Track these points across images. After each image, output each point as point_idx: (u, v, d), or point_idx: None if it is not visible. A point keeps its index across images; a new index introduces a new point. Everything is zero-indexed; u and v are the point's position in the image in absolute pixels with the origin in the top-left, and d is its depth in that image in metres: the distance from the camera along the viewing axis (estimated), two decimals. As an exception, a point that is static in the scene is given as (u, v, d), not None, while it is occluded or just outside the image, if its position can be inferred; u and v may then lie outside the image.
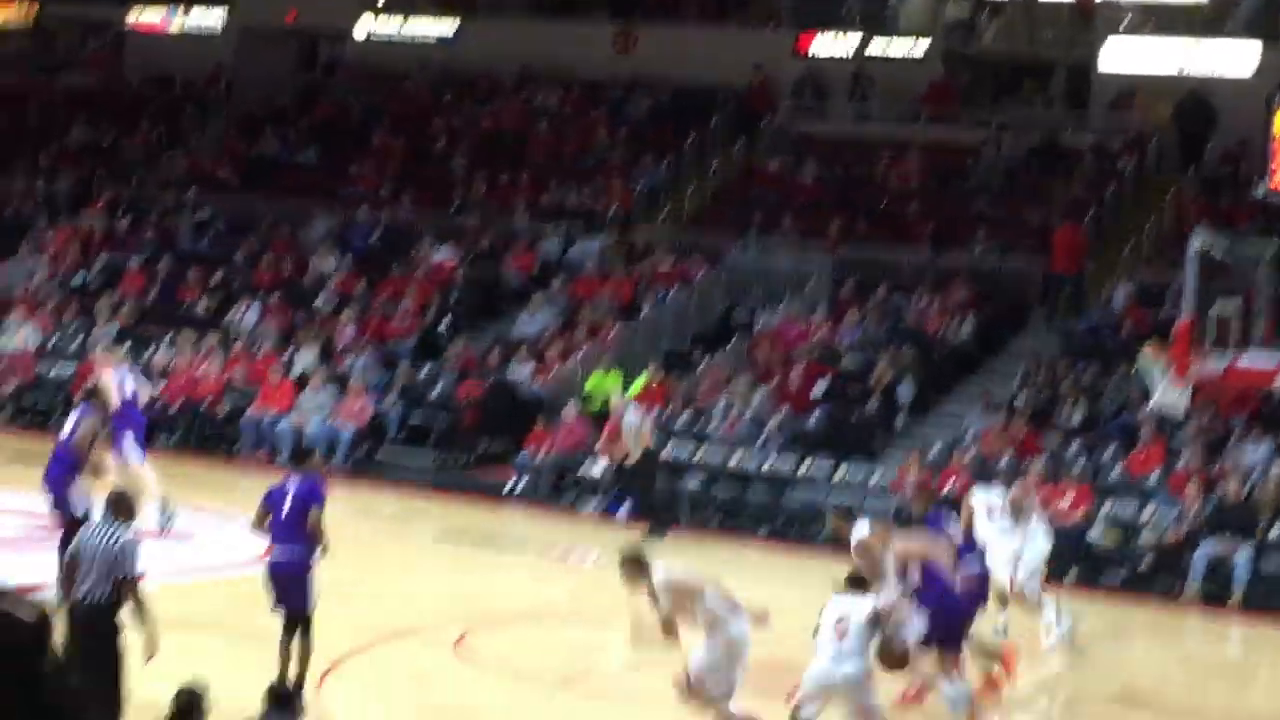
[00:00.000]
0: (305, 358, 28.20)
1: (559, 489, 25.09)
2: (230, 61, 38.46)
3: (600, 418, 25.88)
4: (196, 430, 27.25)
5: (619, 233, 31.45)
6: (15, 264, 32.94)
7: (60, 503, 16.36)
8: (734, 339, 28.14)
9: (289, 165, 35.26)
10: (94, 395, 18.22)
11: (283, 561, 13.70)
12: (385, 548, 20.88)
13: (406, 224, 32.48)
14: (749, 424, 25.55)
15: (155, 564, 15.70)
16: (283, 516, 13.73)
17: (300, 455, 14.75)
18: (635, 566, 12.84)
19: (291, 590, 13.66)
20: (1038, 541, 18.01)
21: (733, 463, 24.91)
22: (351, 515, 23.92)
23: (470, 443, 26.88)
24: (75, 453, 16.67)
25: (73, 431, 16.96)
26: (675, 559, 13.43)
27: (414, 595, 14.10)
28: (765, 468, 24.81)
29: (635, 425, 23.80)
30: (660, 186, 32.95)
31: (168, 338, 29.18)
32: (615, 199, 32.22)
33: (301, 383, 27.44)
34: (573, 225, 31.64)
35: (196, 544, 19.66)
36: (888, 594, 13.47)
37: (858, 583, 13.02)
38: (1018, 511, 18.01)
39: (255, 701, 10.02)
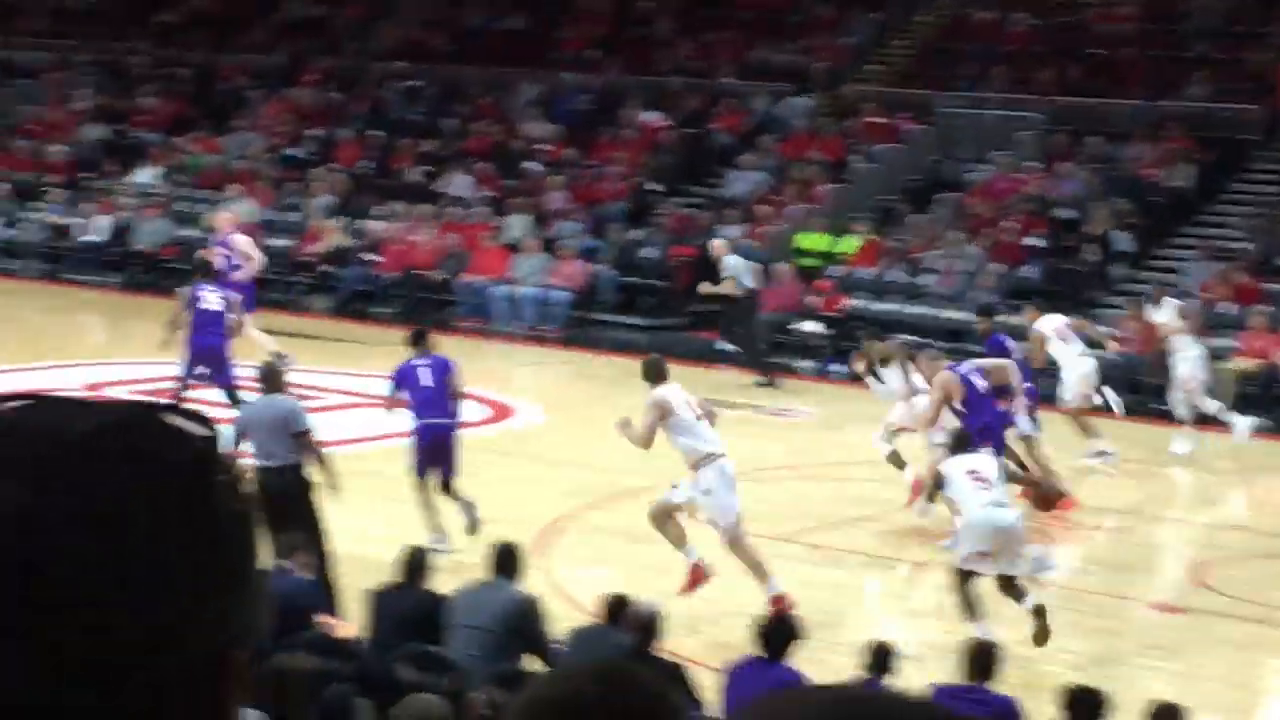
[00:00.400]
0: (517, 224, 28.47)
1: (774, 348, 25.11)
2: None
3: (811, 275, 25.81)
4: (412, 298, 27.66)
5: (827, 90, 31.18)
6: (231, 138, 33.59)
7: (224, 369, 17.68)
8: (945, 193, 27.83)
9: (496, 32, 35.39)
10: (208, 269, 19.54)
11: (440, 427, 14.61)
12: (599, 411, 21.10)
13: (614, 87, 32.49)
14: (962, 278, 25.32)
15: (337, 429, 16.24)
16: (425, 388, 14.62)
17: (417, 337, 15.11)
18: (650, 371, 13.57)
19: (447, 455, 14.66)
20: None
21: (946, 316, 24.73)
22: (566, 379, 24.22)
23: (682, 304, 26.97)
24: (229, 323, 17.95)
25: (225, 303, 18.20)
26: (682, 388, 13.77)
27: (630, 457, 14.27)
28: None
29: (735, 266, 23.61)
30: (868, 41, 32.56)
31: (381, 208, 29.65)
32: (823, 55, 31.91)
33: (514, 249, 27.72)
34: (780, 84, 31.42)
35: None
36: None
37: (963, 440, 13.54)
38: (1080, 336, 19.28)
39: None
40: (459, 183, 30.30)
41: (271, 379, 13.20)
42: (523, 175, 30.31)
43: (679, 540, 13.37)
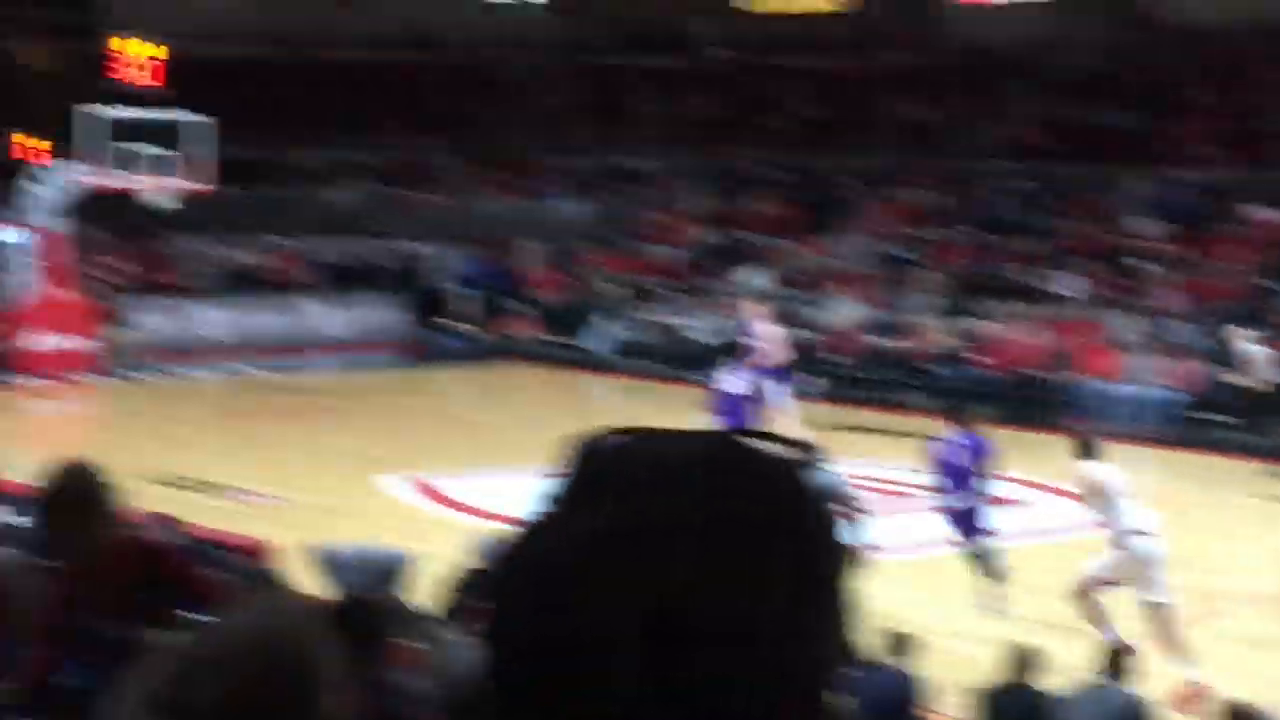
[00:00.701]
0: (1125, 323, 27.81)
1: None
2: (1045, 30, 38.38)
3: None
4: (1020, 399, 27.27)
5: None
6: (836, 239, 34.07)
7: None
8: None
9: (1102, 129, 34.82)
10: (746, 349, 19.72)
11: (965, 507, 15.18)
12: (1211, 514, 20.28)
13: (1226, 183, 31.43)
14: None
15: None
16: (958, 467, 15.19)
17: (954, 412, 15.64)
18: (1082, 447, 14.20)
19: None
20: None
21: None
22: (1175, 481, 23.38)
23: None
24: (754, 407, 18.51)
25: (749, 387, 18.56)
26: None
27: (1238, 557, 13.61)
28: None
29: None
30: None
31: (986, 307, 29.48)
32: None
33: (1122, 348, 27.06)
34: None
35: (1026, 511, 19.72)
36: None
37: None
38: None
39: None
40: (1066, 281, 29.85)
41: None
42: (1131, 273, 29.62)
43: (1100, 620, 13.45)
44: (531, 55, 44.75)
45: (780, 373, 22.29)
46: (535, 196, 38.69)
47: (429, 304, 34.66)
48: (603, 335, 32.87)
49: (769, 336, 22.88)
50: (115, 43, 31.65)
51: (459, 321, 33.42)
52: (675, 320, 32.53)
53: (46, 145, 34.63)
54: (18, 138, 34.96)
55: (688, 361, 31.44)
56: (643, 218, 37.45)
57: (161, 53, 31.50)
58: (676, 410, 27.94)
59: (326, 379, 26.18)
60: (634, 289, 34.04)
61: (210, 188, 31.29)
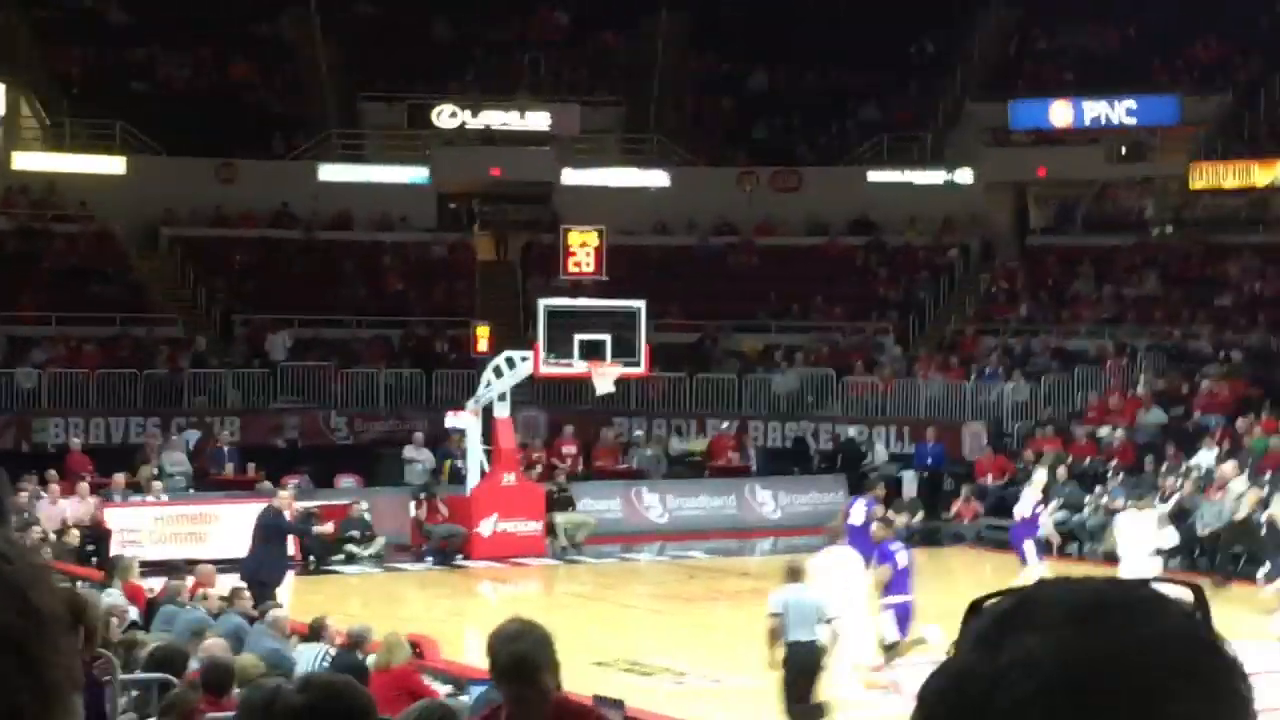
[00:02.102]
0: None
1: None
2: None
3: None
4: None
5: None
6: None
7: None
8: None
9: None
10: None
11: None
12: None
13: None
14: None
15: None
16: None
17: None
18: None
19: None
20: None
21: None
22: None
23: None
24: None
25: None
26: None
27: None
28: None
29: None
30: None
31: None
32: None
33: None
34: None
35: None
36: None
37: None
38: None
39: None
40: None
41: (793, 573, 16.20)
42: None
43: None
44: (974, 236, 44.65)
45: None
46: (977, 378, 38.34)
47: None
48: (1045, 518, 32.13)
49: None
50: (570, 236, 32.78)
51: (900, 504, 33.14)
52: (1121, 503, 31.58)
53: (486, 332, 35.96)
54: (479, 329, 36.40)
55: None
56: (1086, 399, 36.71)
57: (601, 241, 32.45)
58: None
59: (767, 562, 26.24)
60: (1079, 472, 33.25)
61: (651, 372, 31.95)
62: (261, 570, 20.10)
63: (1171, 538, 23.92)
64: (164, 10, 45.85)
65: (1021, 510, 24.42)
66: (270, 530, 21.80)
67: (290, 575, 23.05)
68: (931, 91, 47.16)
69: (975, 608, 1.40)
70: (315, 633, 15.89)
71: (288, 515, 22.77)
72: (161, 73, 45.45)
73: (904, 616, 18.50)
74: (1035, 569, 23.09)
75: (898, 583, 18.58)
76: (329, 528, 26.04)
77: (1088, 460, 33.80)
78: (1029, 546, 23.92)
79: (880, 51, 46.78)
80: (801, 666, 15.65)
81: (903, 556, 18.81)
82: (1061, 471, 32.85)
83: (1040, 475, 26.27)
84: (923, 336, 41.48)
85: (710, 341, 41.05)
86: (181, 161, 42.27)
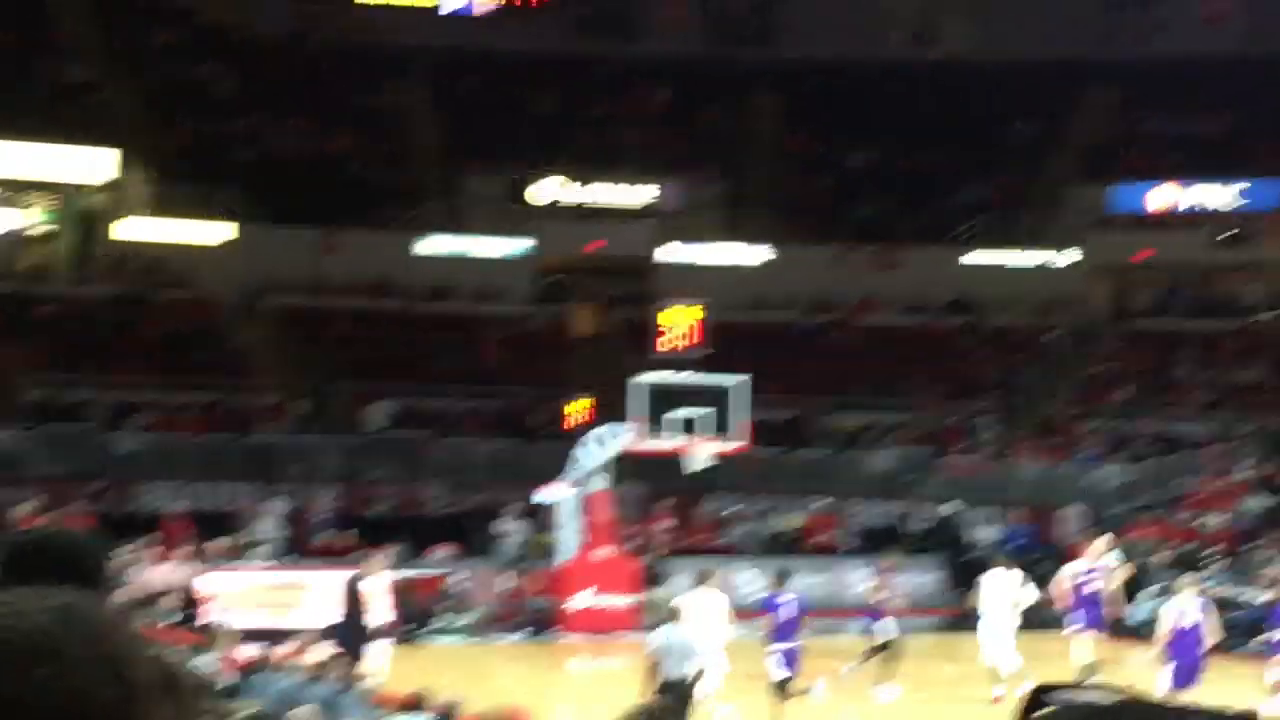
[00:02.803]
0: None
1: None
2: None
3: None
4: None
5: None
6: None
7: None
8: None
9: None
10: None
11: None
12: None
13: None
14: None
15: None
16: None
17: None
18: None
19: None
20: None
21: None
22: None
23: None
24: None
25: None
26: None
27: None
28: None
29: None
30: None
31: None
32: None
33: None
34: None
35: None
36: None
37: None
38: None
39: None
40: None
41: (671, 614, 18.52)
42: None
43: None
44: (1073, 317, 44.37)
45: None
46: (1076, 461, 37.98)
47: (966, 568, 34.20)
48: (1143, 604, 31.69)
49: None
50: (663, 315, 32.79)
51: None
52: (1222, 591, 31.13)
53: (587, 406, 35.94)
54: (576, 403, 36.43)
55: (1237, 632, 30.01)
56: (1187, 484, 36.28)
57: (701, 315, 32.45)
58: (1222, 685, 26.69)
59: (861, 643, 26.00)
60: (1180, 558, 32.83)
61: (748, 448, 31.85)
62: (350, 637, 20.05)
63: (1031, 596, 23.86)
64: (271, 81, 46.47)
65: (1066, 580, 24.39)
66: (352, 599, 21.85)
67: (386, 644, 23.07)
68: (1031, 173, 47.01)
69: (1038, 697, 1.38)
70: (416, 704, 15.87)
71: (384, 584, 22.81)
72: (266, 142, 45.99)
73: (790, 660, 21.15)
74: (1080, 646, 23.63)
75: (784, 630, 21.20)
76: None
77: (1189, 545, 33.37)
78: (1075, 620, 23.86)
79: (981, 132, 46.70)
80: (678, 699, 17.53)
81: (788, 609, 21.30)
82: (1162, 556, 32.45)
83: (1110, 556, 25.86)
84: (1020, 417, 41.18)
85: (808, 419, 40.90)
86: (284, 231, 42.73)
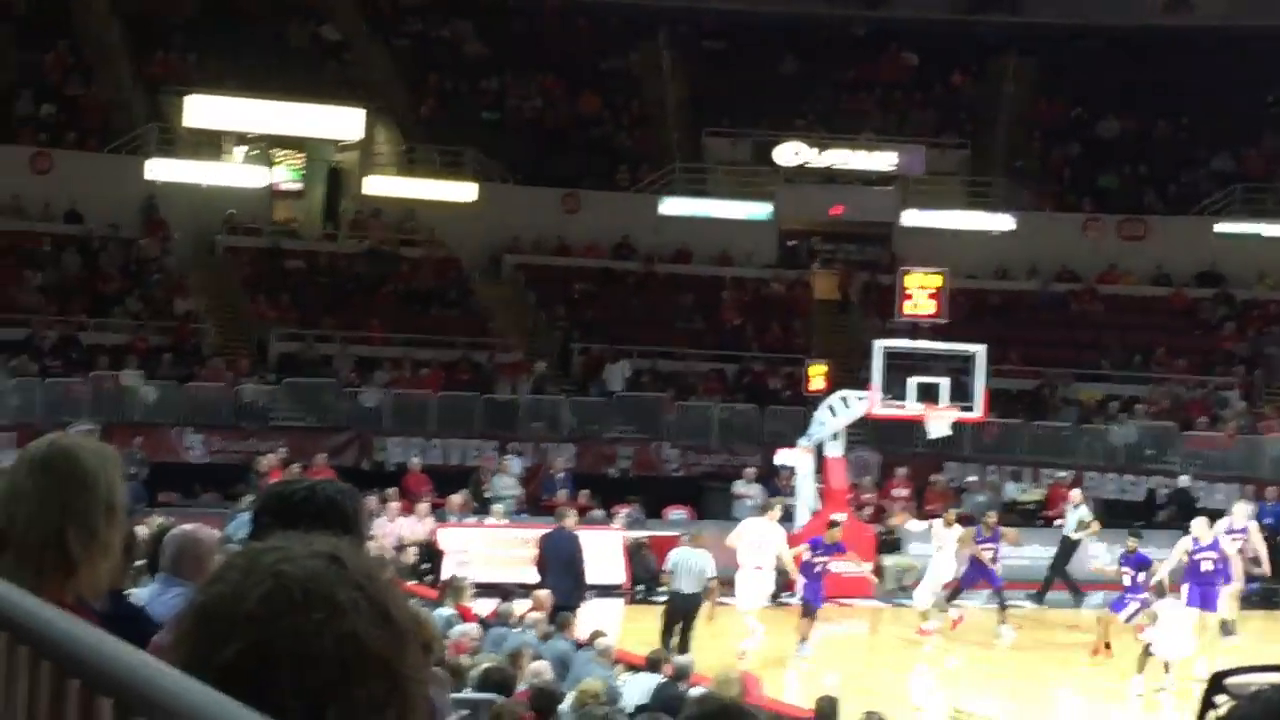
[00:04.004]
0: None
1: None
2: None
3: None
4: None
5: None
6: None
7: None
8: None
9: None
10: None
11: None
12: None
13: None
14: None
15: None
16: None
17: None
18: None
19: None
20: None
21: None
22: None
23: None
24: None
25: None
26: None
27: None
28: None
29: None
30: None
31: None
32: None
33: None
34: None
35: None
36: None
37: None
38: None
39: None
40: None
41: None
42: None
43: None
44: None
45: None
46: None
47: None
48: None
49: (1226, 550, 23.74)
50: (909, 277, 32.50)
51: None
52: None
53: (822, 370, 35.79)
54: (814, 367, 36.30)
55: None
56: None
57: (941, 282, 32.11)
58: None
59: (1094, 615, 25.63)
60: None
61: (985, 417, 31.50)
62: (558, 595, 20.11)
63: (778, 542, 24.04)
64: (518, 43, 46.93)
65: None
66: (564, 555, 22.01)
67: (618, 603, 23.26)
68: (1288, 142, 45.76)
69: (1219, 682, 1.36)
70: (653, 665, 15.98)
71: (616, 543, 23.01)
72: (512, 103, 46.46)
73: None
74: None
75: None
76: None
77: None
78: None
79: (1235, 102, 45.52)
80: (681, 612, 21.48)
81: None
82: None
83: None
84: (1269, 392, 40.14)
85: (1049, 389, 40.31)
86: (528, 190, 43.16)
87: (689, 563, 21.68)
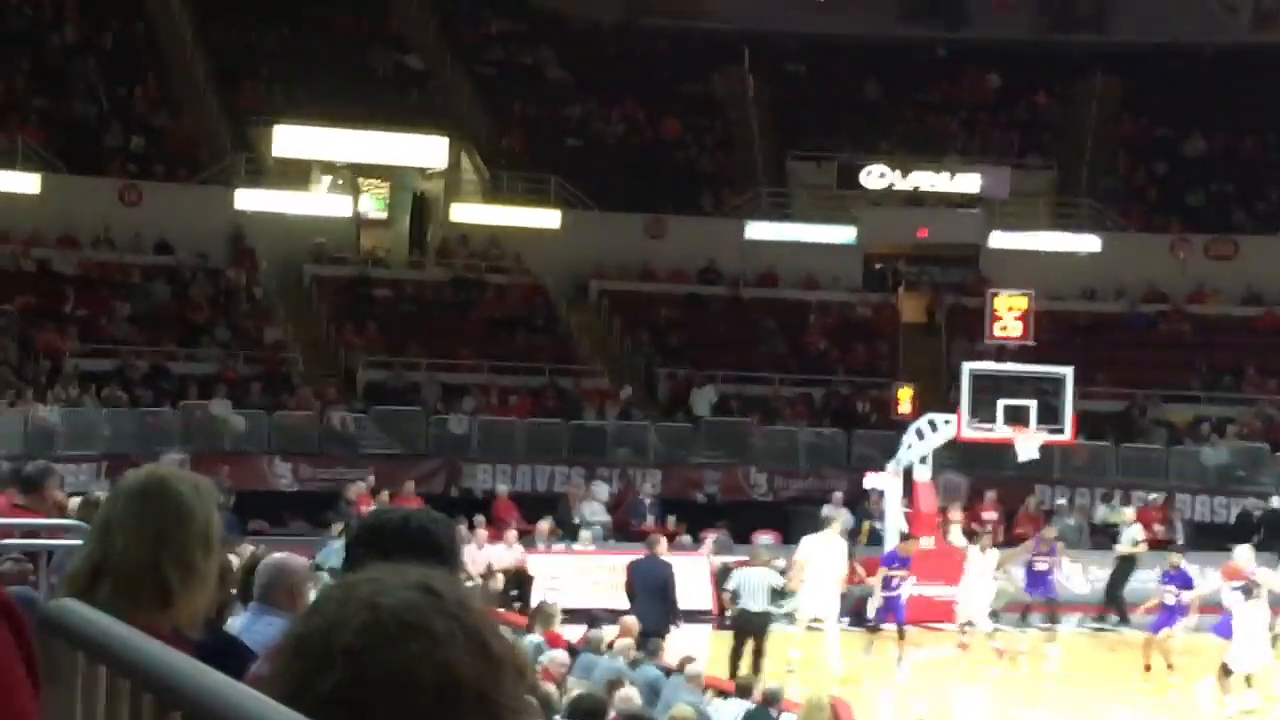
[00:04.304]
0: None
1: None
2: None
3: None
4: None
5: None
6: None
7: None
8: None
9: None
10: None
11: None
12: None
13: None
14: None
15: None
16: None
17: None
18: None
19: None
20: None
21: None
22: None
23: None
24: None
25: None
26: None
27: None
28: None
29: None
30: None
31: None
32: None
33: None
34: None
35: None
36: None
37: None
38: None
39: None
40: None
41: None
42: None
43: None
44: None
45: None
46: None
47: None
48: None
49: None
50: (997, 300, 32.33)
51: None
52: None
53: (909, 394, 35.67)
54: (901, 390, 36.19)
55: None
56: None
57: (1028, 304, 31.91)
58: None
59: (1190, 639, 25.40)
60: None
61: (1073, 440, 31.26)
62: (647, 621, 20.00)
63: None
64: (600, 68, 47.08)
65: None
66: (654, 582, 21.88)
67: (706, 629, 23.20)
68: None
69: None
70: (743, 690, 15.94)
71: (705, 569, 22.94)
72: (595, 128, 46.59)
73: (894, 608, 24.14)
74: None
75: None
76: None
77: None
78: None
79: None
80: (749, 630, 21.72)
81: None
82: None
83: None
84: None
85: (1138, 411, 39.97)
86: (612, 216, 43.23)
87: (752, 581, 22.18)
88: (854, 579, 28.18)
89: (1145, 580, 27.47)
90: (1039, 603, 27.02)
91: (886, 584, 24.21)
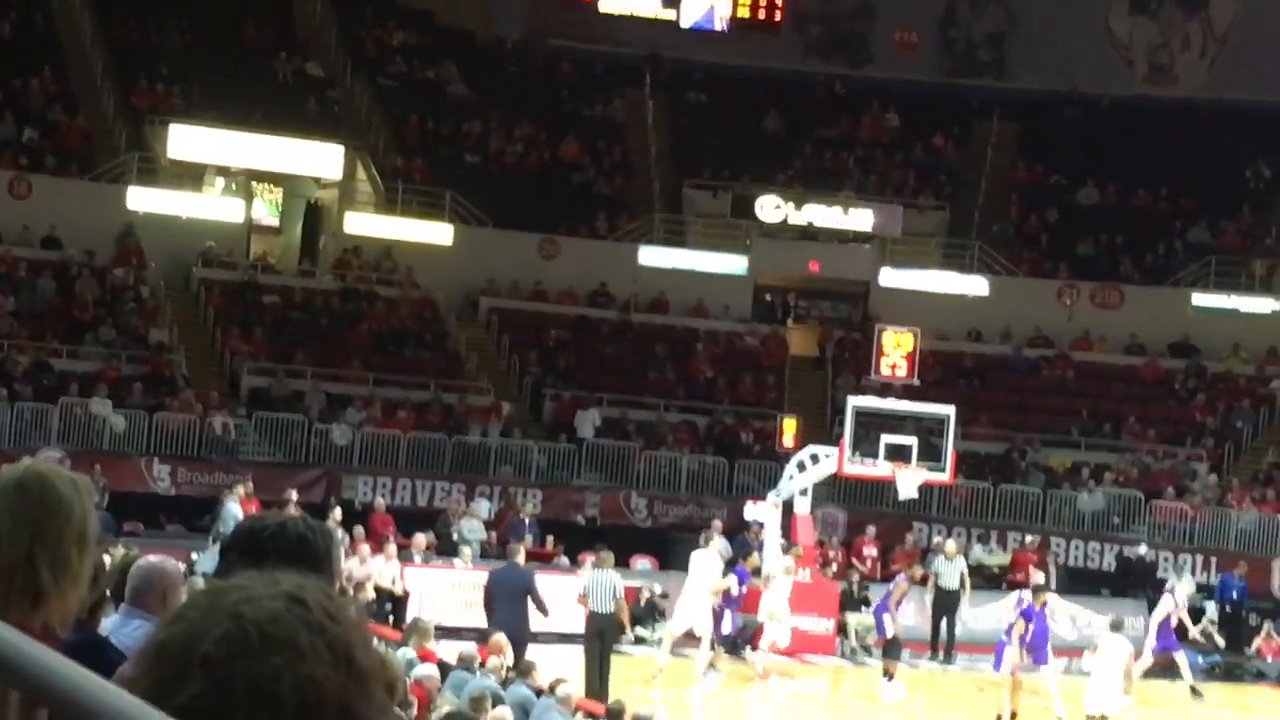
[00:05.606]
0: None
1: None
2: None
3: None
4: None
5: None
6: None
7: None
8: None
9: None
10: None
11: None
12: None
13: None
14: None
15: None
16: None
17: None
18: None
19: None
20: None
21: None
22: None
23: None
24: None
25: None
26: None
27: None
28: None
29: None
30: None
31: None
32: None
33: None
34: None
35: None
36: None
37: None
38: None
39: None
40: None
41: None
42: None
43: None
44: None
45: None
46: (1292, 514, 37.00)
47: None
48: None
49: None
50: (884, 336, 32.53)
51: (1199, 636, 32.13)
52: None
53: (793, 426, 35.87)
54: (785, 422, 36.35)
55: None
56: None
57: (914, 343, 32.17)
58: None
59: (1062, 682, 25.64)
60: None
61: (952, 480, 31.52)
62: (506, 629, 19.92)
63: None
64: (502, 86, 47.03)
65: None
66: (515, 588, 21.82)
67: (581, 650, 23.13)
68: (1264, 218, 45.99)
69: None
70: (614, 715, 15.93)
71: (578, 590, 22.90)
72: (494, 146, 46.52)
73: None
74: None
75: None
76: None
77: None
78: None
79: (1213, 174, 45.81)
80: (597, 630, 22.35)
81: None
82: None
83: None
84: (1238, 466, 40.26)
85: (1018, 454, 40.38)
86: (506, 234, 43.15)
87: (601, 582, 22.80)
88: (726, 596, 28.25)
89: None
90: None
91: (726, 596, 25.71)
